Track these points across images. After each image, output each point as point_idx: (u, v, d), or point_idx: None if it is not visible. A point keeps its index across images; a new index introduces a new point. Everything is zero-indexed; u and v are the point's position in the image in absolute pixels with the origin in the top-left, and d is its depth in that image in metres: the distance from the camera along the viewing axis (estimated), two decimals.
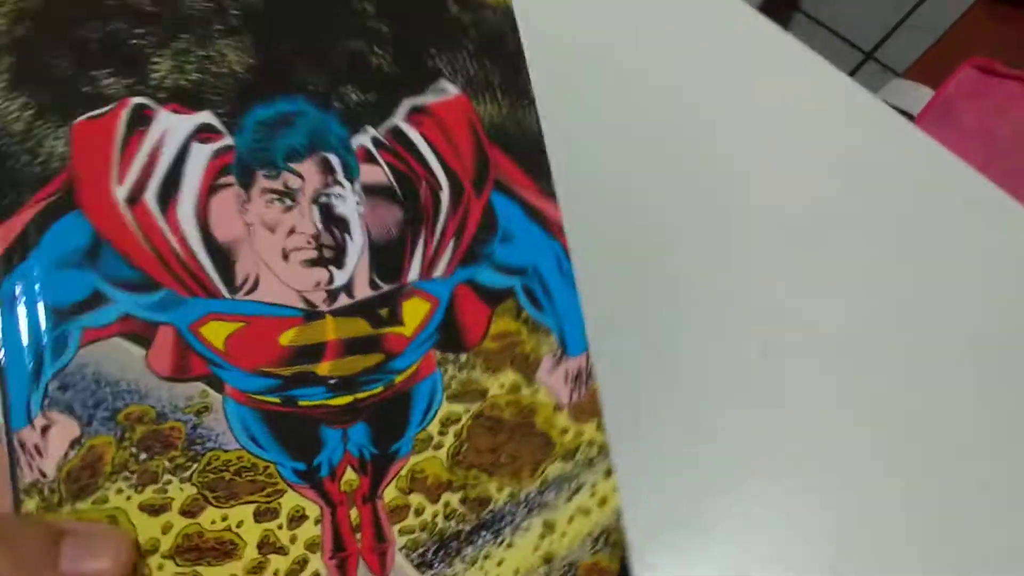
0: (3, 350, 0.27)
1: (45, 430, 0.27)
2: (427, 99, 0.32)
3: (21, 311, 0.27)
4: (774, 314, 0.44)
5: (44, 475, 0.27)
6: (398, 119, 0.32)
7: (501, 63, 0.34)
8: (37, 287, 0.27)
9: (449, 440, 0.32)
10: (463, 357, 0.32)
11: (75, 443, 0.27)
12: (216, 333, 0.29)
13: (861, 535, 0.40)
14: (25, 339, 0.27)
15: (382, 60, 0.32)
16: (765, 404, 0.42)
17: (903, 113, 0.89)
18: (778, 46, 0.51)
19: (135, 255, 0.28)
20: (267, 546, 0.29)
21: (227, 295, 0.29)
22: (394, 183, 0.32)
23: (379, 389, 0.31)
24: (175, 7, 0.30)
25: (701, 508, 0.40)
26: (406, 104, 0.32)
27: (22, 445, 0.27)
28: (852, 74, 1.37)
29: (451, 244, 0.32)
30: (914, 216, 0.47)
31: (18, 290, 0.27)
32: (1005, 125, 0.83)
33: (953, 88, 0.84)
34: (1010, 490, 0.40)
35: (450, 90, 0.33)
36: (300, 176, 0.30)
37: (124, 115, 0.28)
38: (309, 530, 0.30)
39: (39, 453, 0.27)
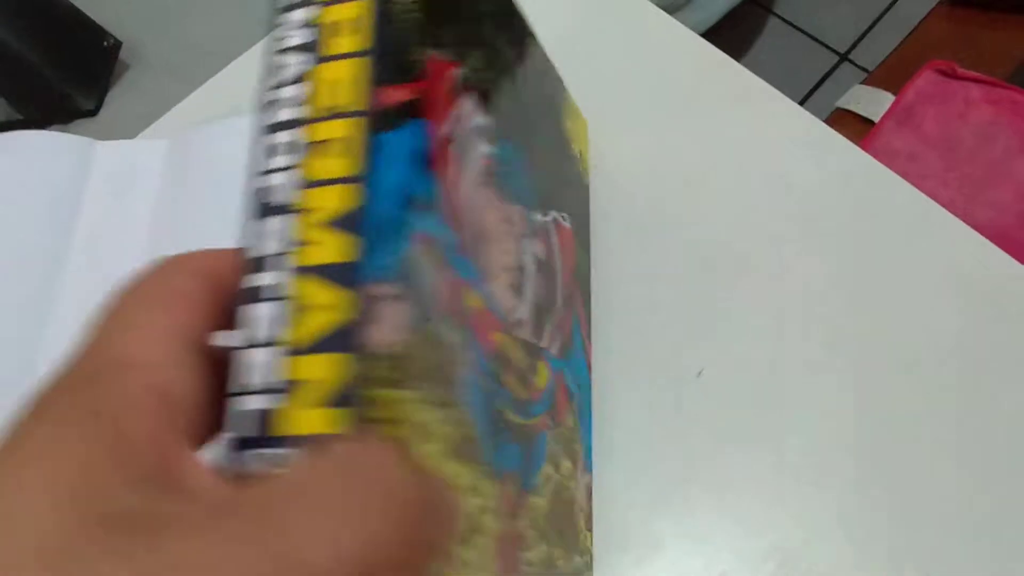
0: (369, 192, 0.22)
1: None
2: (560, 218, 0.38)
3: (392, 167, 0.23)
4: (712, 339, 0.43)
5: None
6: (549, 218, 0.36)
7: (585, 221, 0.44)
8: (402, 156, 0.24)
9: (546, 494, 0.32)
10: (556, 430, 0.34)
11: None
12: (471, 300, 0.28)
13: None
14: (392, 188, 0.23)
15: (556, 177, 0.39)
16: (701, 426, 0.42)
17: (864, 120, 0.88)
18: (724, 71, 0.51)
19: (443, 187, 0.27)
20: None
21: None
22: (547, 261, 0.35)
23: (529, 421, 0.32)
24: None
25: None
26: (556, 212, 0.38)
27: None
28: (827, 76, 1.36)
29: (559, 335, 0.36)
30: (861, 237, 0.47)
31: (391, 148, 0.23)
32: (965, 129, 0.82)
33: (913, 93, 0.84)
34: (943, 503, 0.40)
35: (567, 223, 0.40)
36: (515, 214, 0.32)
37: (455, 74, 0.28)
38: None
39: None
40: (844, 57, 1.36)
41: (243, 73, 0.53)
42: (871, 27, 1.36)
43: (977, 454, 0.41)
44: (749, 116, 0.50)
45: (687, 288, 0.45)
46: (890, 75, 0.89)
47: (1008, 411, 0.41)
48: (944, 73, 0.86)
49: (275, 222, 0.20)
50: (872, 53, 1.33)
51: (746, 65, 0.51)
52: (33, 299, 0.41)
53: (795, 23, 1.39)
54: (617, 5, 0.55)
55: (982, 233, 0.79)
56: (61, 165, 0.46)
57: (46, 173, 0.46)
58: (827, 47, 1.37)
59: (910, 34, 0.93)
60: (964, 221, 0.80)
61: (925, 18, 0.93)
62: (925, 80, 0.85)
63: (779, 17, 1.40)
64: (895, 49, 0.93)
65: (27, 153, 0.47)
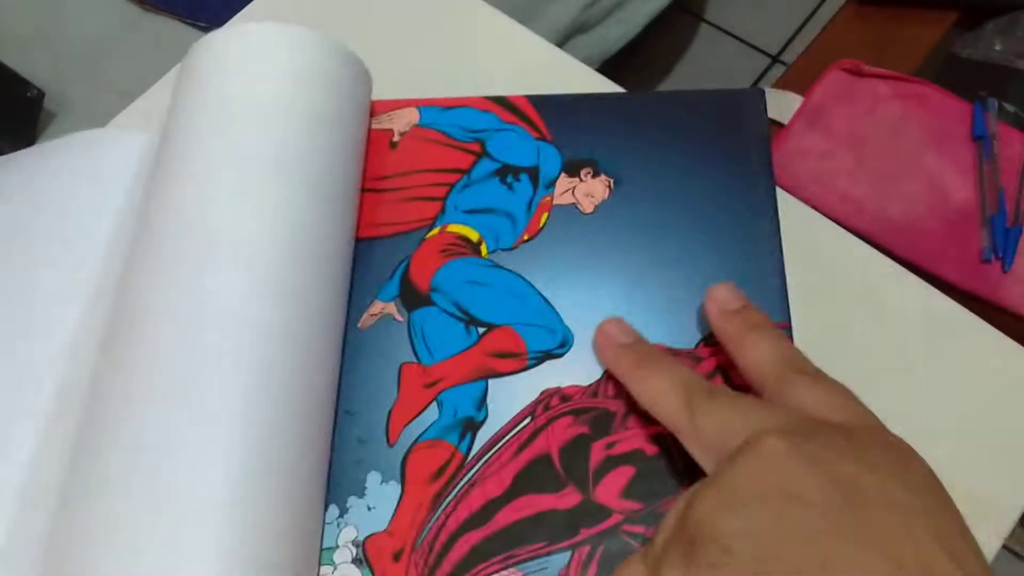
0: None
1: None
2: None
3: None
4: None
5: None
6: None
7: None
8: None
9: None
10: None
11: None
12: None
13: None
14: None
15: None
16: None
17: (774, 123, 0.89)
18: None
19: None
20: None
21: None
22: None
23: None
24: None
25: None
26: None
27: None
28: (760, 78, 1.38)
29: None
30: None
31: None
32: (874, 125, 0.83)
33: (821, 93, 0.85)
34: None
35: None
36: None
37: None
38: None
39: None
40: (775, 59, 1.38)
41: (151, 106, 0.53)
42: (800, 28, 1.38)
43: None
44: None
45: None
46: (801, 77, 0.90)
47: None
48: (851, 71, 0.87)
49: None
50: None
51: (679, 71, 0.52)
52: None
53: (725, 28, 1.41)
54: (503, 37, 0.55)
55: (896, 225, 0.80)
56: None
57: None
58: (758, 50, 1.39)
59: (819, 35, 0.95)
60: (878, 216, 0.81)
61: (833, 18, 0.95)
62: (832, 80, 0.86)
63: (709, 23, 1.42)
64: (804, 51, 0.94)
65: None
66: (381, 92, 0.47)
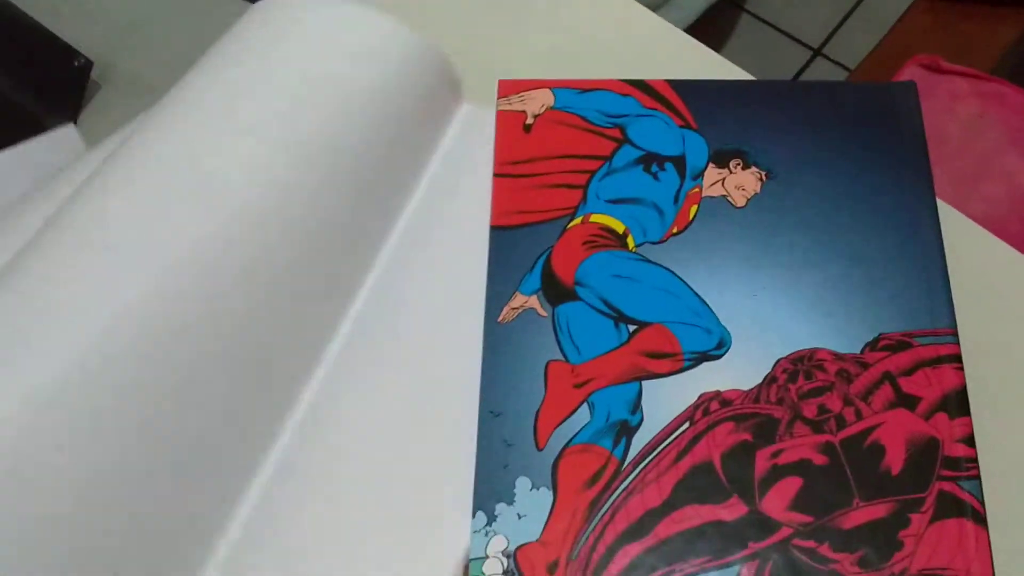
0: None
1: None
2: None
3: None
4: None
5: None
6: None
7: None
8: None
9: None
10: None
11: None
12: None
13: None
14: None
15: None
16: None
17: None
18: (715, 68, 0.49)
19: None
20: None
21: None
22: None
23: None
24: None
25: None
26: None
27: None
28: (802, 71, 1.36)
29: None
30: None
31: None
32: (953, 123, 0.81)
33: None
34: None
35: None
36: None
37: None
38: None
39: None
40: (818, 52, 1.36)
41: None
42: (843, 22, 1.35)
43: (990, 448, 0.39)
44: None
45: None
46: (872, 70, 0.88)
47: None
48: (928, 67, 0.85)
49: None
50: (845, 48, 1.32)
51: None
52: None
53: (768, 20, 1.38)
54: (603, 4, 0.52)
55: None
56: None
57: None
58: (801, 43, 1.37)
59: (891, 29, 0.92)
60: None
61: (906, 12, 0.93)
62: (910, 75, 0.84)
63: (752, 15, 1.39)
64: (877, 44, 0.92)
65: None
66: (502, 72, 0.45)
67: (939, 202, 0.42)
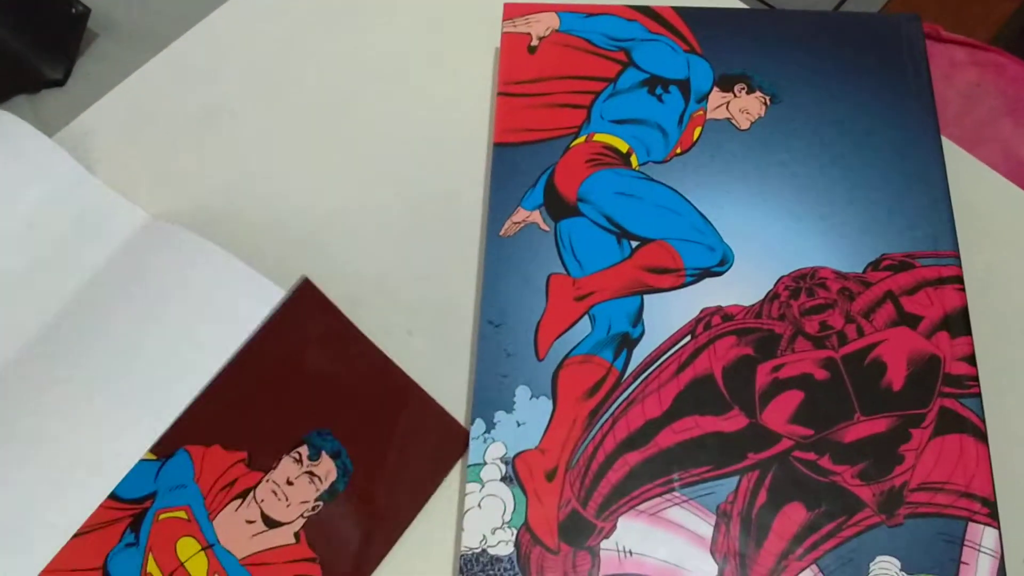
0: None
1: None
2: None
3: None
4: None
5: None
6: None
7: None
8: None
9: None
10: None
11: None
12: None
13: None
14: None
15: None
16: None
17: None
18: None
19: None
20: None
21: None
22: None
23: None
24: None
25: None
26: None
27: None
28: None
29: None
30: None
31: None
32: (951, 90, 0.82)
33: None
34: None
35: None
36: None
37: None
38: None
39: None
40: None
41: (204, 38, 0.50)
42: None
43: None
44: None
45: None
46: None
47: None
48: (928, 36, 0.85)
49: None
50: None
51: None
52: None
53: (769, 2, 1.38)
54: None
55: None
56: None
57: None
58: None
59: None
60: None
61: None
62: None
63: None
64: (878, 12, 0.92)
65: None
66: None
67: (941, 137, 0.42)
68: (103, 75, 0.83)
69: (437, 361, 0.39)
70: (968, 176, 0.44)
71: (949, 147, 0.44)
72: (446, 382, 0.38)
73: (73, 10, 0.87)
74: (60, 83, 0.83)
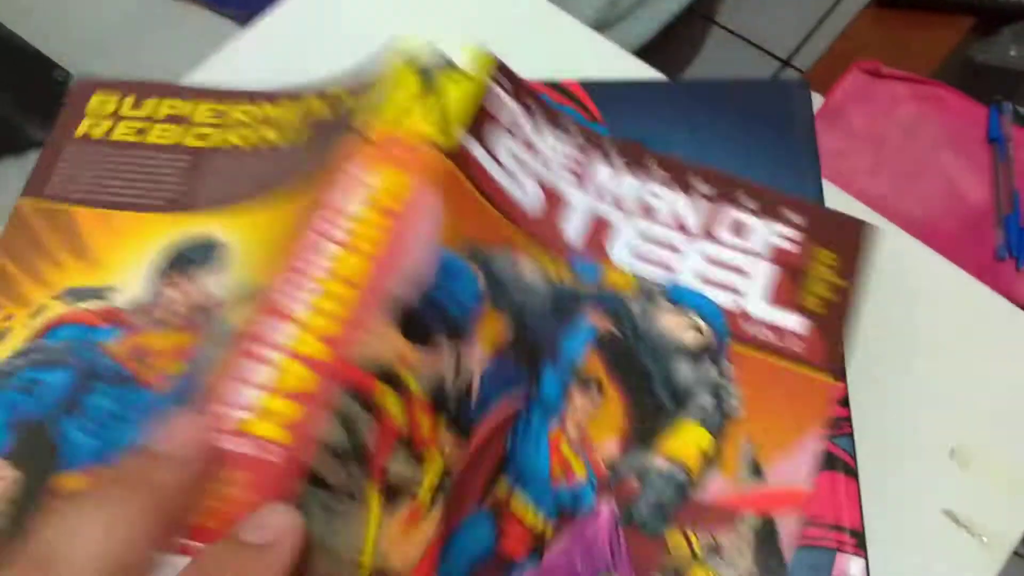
0: None
1: None
2: None
3: None
4: None
5: None
6: None
7: None
8: None
9: None
10: None
11: None
12: None
13: None
14: None
15: None
16: None
17: None
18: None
19: None
20: None
21: None
22: None
23: None
24: None
25: None
26: None
27: None
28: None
29: None
30: None
31: None
32: (892, 125, 0.85)
33: (840, 93, 0.87)
34: None
35: None
36: None
37: None
38: None
39: None
40: (786, 63, 1.40)
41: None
42: (811, 33, 1.40)
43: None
44: None
45: None
46: (821, 77, 0.92)
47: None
48: (870, 72, 0.88)
49: None
50: (814, 58, 1.36)
51: (691, 73, 0.53)
52: None
53: (737, 31, 1.42)
54: (544, 23, 0.56)
55: (913, 223, 0.81)
56: None
57: None
58: (769, 54, 1.41)
59: (839, 37, 0.96)
60: (896, 214, 0.83)
61: (853, 20, 0.97)
62: (852, 80, 0.88)
63: (720, 26, 1.43)
64: (825, 52, 0.96)
65: None
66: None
67: (825, 183, 0.46)
68: None
69: None
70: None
71: (834, 191, 0.47)
72: None
73: (56, 77, 0.92)
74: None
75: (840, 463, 0.38)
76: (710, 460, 0.38)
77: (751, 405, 0.39)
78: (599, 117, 0.46)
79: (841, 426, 0.39)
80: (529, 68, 0.50)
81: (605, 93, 0.47)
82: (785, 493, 0.37)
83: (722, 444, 0.38)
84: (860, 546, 0.37)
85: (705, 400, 0.39)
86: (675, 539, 0.36)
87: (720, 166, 0.45)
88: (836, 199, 0.46)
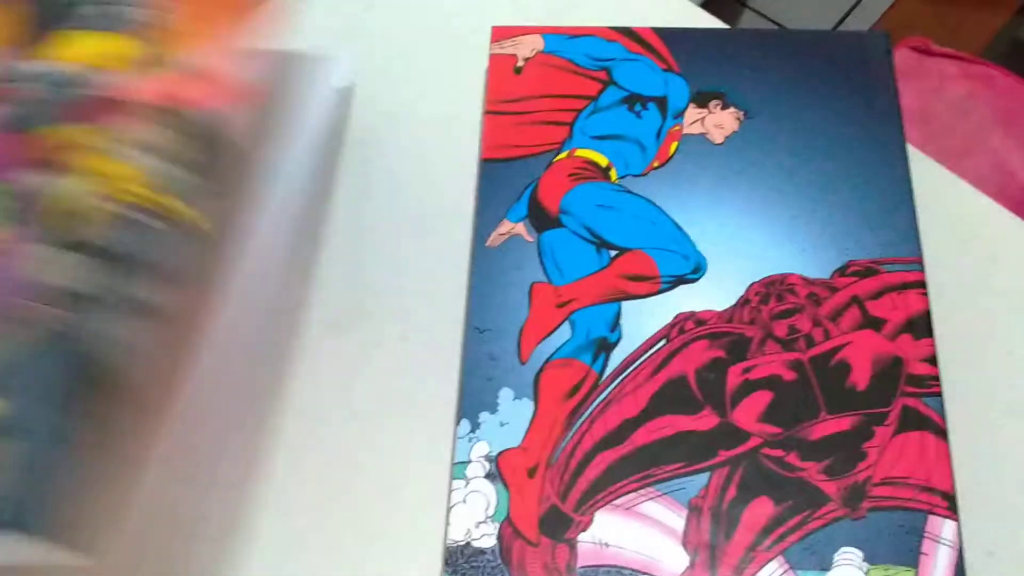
0: None
1: None
2: None
3: None
4: None
5: None
6: None
7: None
8: None
9: None
10: None
11: None
12: None
13: None
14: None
15: None
16: None
17: None
18: None
19: None
20: None
21: None
22: None
23: None
24: None
25: None
26: None
27: None
28: None
29: None
30: None
31: None
32: (941, 104, 0.83)
33: None
34: None
35: None
36: None
37: None
38: None
39: None
40: None
41: None
42: (844, 17, 1.38)
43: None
44: None
45: None
46: None
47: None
48: (919, 50, 0.86)
49: None
50: None
51: None
52: None
53: (769, 15, 1.41)
54: None
55: None
56: None
57: None
58: None
59: (884, 14, 0.95)
60: None
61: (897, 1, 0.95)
62: (900, 57, 0.86)
63: (753, 10, 1.42)
64: (870, 29, 0.94)
65: None
66: (501, 19, 0.47)
67: (908, 146, 0.44)
68: None
69: (428, 365, 0.41)
70: (935, 185, 0.45)
71: (915, 155, 0.45)
72: (436, 385, 0.41)
73: None
74: None
75: (930, 423, 0.37)
76: (119, 60, 0.34)
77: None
78: (674, 65, 0.45)
79: (929, 385, 0.38)
80: (597, 15, 0.48)
81: (680, 40, 0.45)
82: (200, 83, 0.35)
83: (134, 44, 0.35)
84: (952, 508, 0.35)
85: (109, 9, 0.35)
86: (64, 134, 0.33)
87: (804, 118, 0.43)
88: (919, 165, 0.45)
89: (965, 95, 0.84)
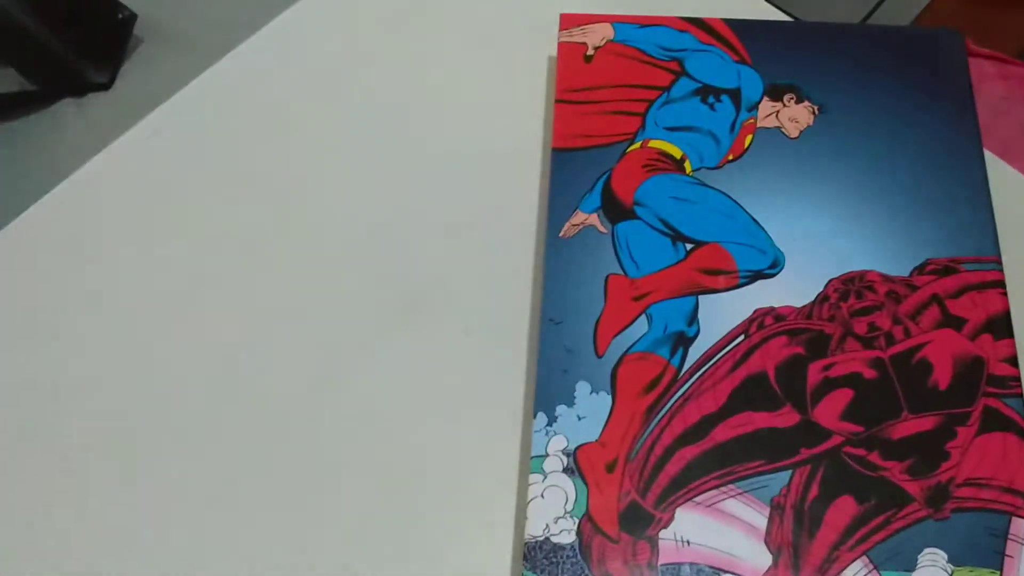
0: None
1: None
2: None
3: None
4: None
5: None
6: None
7: None
8: None
9: None
10: None
11: None
12: None
13: None
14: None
15: None
16: None
17: None
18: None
19: None
20: None
21: None
22: None
23: None
24: None
25: None
26: None
27: None
28: None
29: None
30: None
31: None
32: (978, 103, 0.83)
33: None
34: None
35: None
36: None
37: None
38: None
39: None
40: None
41: (262, 48, 0.52)
42: (875, 9, 1.37)
43: None
44: None
45: None
46: None
47: None
48: None
49: None
50: None
51: None
52: None
53: (791, 11, 1.40)
54: None
55: None
56: None
57: None
58: None
59: (921, 12, 0.94)
60: None
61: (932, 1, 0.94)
62: None
63: (777, 7, 1.41)
64: (910, 24, 0.93)
65: None
66: (572, 6, 0.46)
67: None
68: (148, 80, 0.85)
69: (493, 358, 0.41)
70: (1007, 185, 0.45)
71: (989, 158, 0.45)
72: (502, 378, 0.40)
73: (120, 15, 0.89)
74: (106, 87, 0.84)
75: (1012, 424, 0.36)
76: None
77: None
78: (746, 57, 0.44)
79: (1011, 385, 0.37)
80: (667, 6, 0.48)
81: (752, 32, 0.45)
82: None
83: None
84: None
85: None
86: None
87: (878, 113, 0.43)
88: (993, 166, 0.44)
89: (1003, 96, 0.84)
